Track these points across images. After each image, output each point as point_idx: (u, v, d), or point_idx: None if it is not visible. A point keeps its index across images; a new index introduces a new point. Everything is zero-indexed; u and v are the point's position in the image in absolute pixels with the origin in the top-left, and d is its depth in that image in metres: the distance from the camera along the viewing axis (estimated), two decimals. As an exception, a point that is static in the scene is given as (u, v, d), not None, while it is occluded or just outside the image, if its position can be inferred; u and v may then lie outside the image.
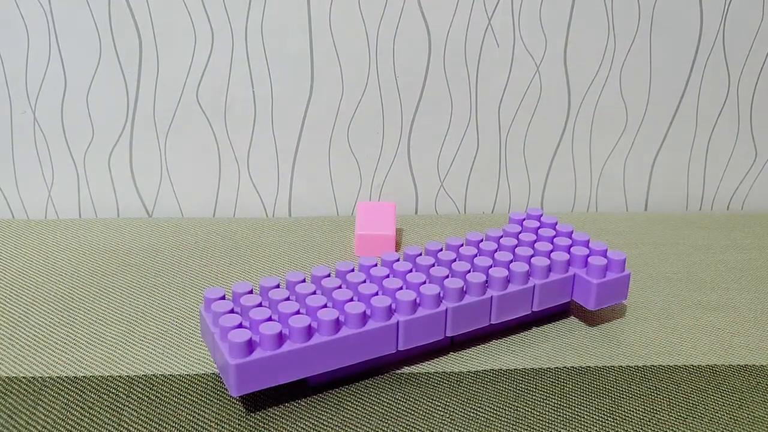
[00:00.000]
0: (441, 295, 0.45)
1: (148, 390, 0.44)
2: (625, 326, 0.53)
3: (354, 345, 0.42)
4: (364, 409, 0.43)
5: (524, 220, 0.55)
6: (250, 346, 0.39)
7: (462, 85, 0.69)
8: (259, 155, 0.70)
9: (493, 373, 0.47)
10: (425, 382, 0.45)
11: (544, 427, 0.42)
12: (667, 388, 0.46)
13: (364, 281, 0.46)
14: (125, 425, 0.41)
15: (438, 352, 0.48)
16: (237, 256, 0.61)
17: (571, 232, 0.53)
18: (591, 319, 0.53)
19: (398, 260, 0.48)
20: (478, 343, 0.50)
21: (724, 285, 0.59)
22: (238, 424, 0.41)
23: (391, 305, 0.43)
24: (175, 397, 0.43)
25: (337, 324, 0.42)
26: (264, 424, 0.41)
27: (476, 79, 0.69)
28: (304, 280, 0.45)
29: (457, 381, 0.46)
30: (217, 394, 0.44)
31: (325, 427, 0.41)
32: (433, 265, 0.48)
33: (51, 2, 0.62)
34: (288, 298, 0.43)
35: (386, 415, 0.43)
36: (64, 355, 0.47)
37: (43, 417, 0.42)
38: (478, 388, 0.45)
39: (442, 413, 0.43)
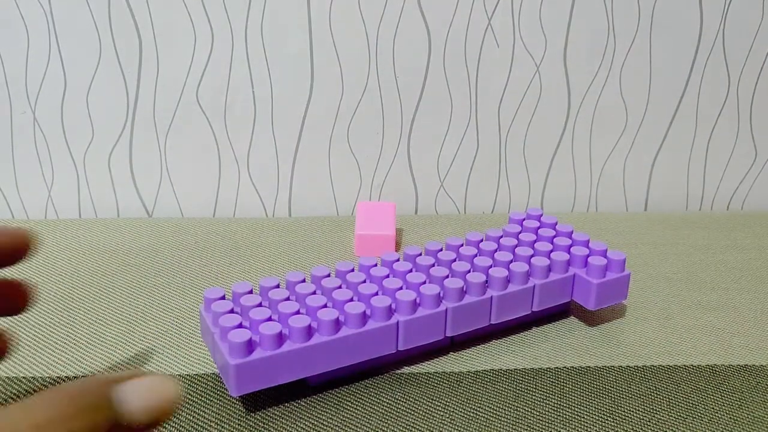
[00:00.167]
0: (441, 295, 0.45)
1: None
2: (625, 326, 0.53)
3: (354, 345, 0.42)
4: (364, 409, 0.43)
5: (524, 220, 0.55)
6: (250, 346, 0.39)
7: (462, 85, 0.69)
8: (259, 155, 0.70)
9: (492, 373, 0.47)
10: (425, 382, 0.45)
11: (543, 427, 0.42)
12: (666, 388, 0.46)
13: (364, 281, 0.46)
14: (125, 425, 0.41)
15: (438, 352, 0.48)
16: (237, 256, 0.61)
17: (571, 232, 0.53)
18: (591, 319, 0.53)
19: (398, 260, 0.48)
20: (478, 343, 0.50)
21: (724, 285, 0.59)
22: (238, 424, 0.41)
23: (391, 305, 0.43)
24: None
25: (337, 324, 0.42)
26: (264, 424, 0.41)
27: (476, 79, 0.70)
28: (304, 280, 0.45)
29: (457, 381, 0.46)
30: (217, 394, 0.44)
31: (324, 427, 0.41)
32: (433, 265, 0.48)
33: (51, 2, 0.62)
34: (288, 298, 0.43)
35: (386, 415, 0.43)
36: (64, 355, 0.47)
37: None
38: (478, 388, 0.45)
39: (441, 413, 0.43)
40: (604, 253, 0.51)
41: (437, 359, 0.48)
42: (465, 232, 0.67)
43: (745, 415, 0.44)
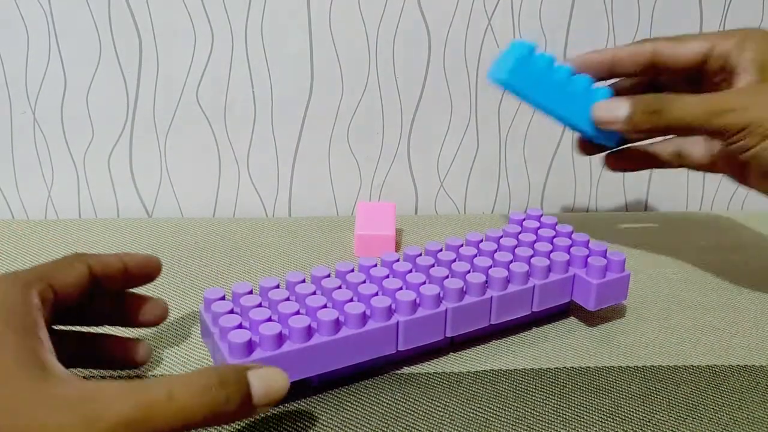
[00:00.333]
0: (441, 295, 0.45)
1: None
2: (625, 327, 0.53)
3: (354, 345, 0.42)
4: (364, 409, 0.43)
5: (524, 220, 0.55)
6: (249, 346, 0.39)
7: (462, 85, 0.70)
8: (259, 155, 0.70)
9: (492, 373, 0.47)
10: (425, 382, 0.45)
11: (543, 427, 0.42)
12: (666, 388, 0.46)
13: (364, 281, 0.46)
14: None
15: (438, 353, 0.48)
16: (237, 256, 0.61)
17: (571, 233, 0.53)
18: (591, 319, 0.53)
19: (398, 260, 0.48)
20: (478, 343, 0.50)
21: (723, 285, 0.59)
22: (238, 425, 0.41)
23: (390, 305, 0.43)
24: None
25: (337, 324, 0.42)
26: (264, 424, 0.41)
27: (476, 79, 0.70)
28: (303, 281, 0.45)
29: (457, 381, 0.46)
30: (217, 395, 0.44)
31: (324, 428, 0.41)
32: (433, 266, 0.48)
33: (51, 2, 0.62)
34: (288, 299, 0.43)
35: (386, 415, 0.43)
36: (64, 355, 0.47)
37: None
38: (477, 389, 0.45)
39: (441, 413, 0.43)
40: (603, 254, 0.51)
41: (437, 359, 0.48)
42: (465, 233, 0.67)
43: (745, 416, 0.44)
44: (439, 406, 0.43)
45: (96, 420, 0.29)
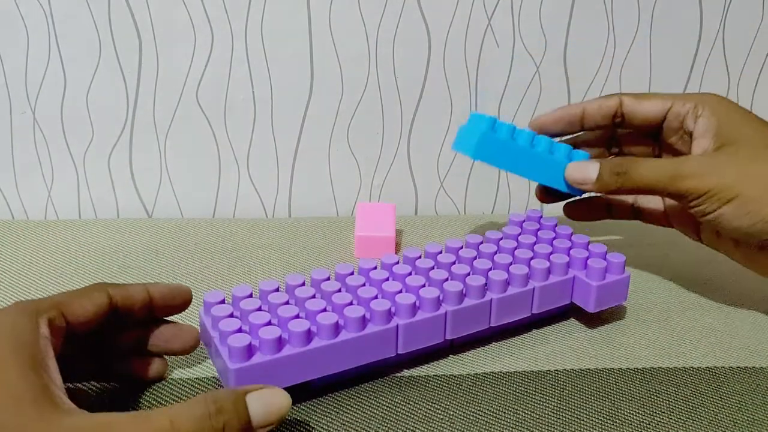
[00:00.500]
0: (440, 298, 0.45)
1: (148, 394, 0.44)
2: (625, 328, 0.53)
3: (353, 349, 0.42)
4: (364, 412, 0.43)
5: (524, 221, 0.55)
6: (249, 350, 0.39)
7: (462, 85, 0.69)
8: (259, 155, 0.70)
9: (492, 375, 0.47)
10: (425, 385, 0.46)
11: (543, 429, 0.42)
12: (666, 390, 0.46)
13: (364, 284, 0.46)
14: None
15: (437, 355, 0.48)
16: (237, 257, 0.61)
17: (571, 234, 0.53)
18: (590, 321, 0.53)
19: (398, 263, 0.48)
20: (478, 345, 0.50)
21: (723, 286, 0.59)
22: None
23: (390, 309, 0.43)
24: (175, 400, 0.43)
25: (337, 328, 0.42)
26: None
27: (476, 79, 0.69)
28: (303, 283, 0.45)
29: (457, 384, 0.46)
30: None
31: (324, 431, 0.41)
32: (433, 268, 0.48)
33: (51, 2, 0.62)
34: (287, 302, 0.43)
35: (386, 418, 0.43)
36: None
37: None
38: (477, 391, 0.45)
39: (441, 416, 0.43)
40: (603, 256, 0.51)
41: (437, 362, 0.48)
42: (465, 233, 0.67)
43: (745, 417, 0.44)
44: (438, 409, 0.43)
45: None
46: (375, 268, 0.48)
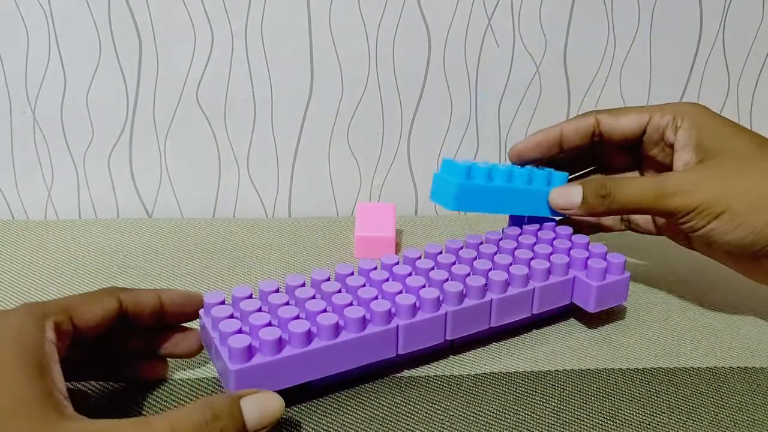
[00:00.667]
0: (440, 298, 0.45)
1: (148, 394, 0.44)
2: (625, 329, 0.53)
3: (354, 349, 0.42)
4: (364, 412, 0.43)
5: (524, 221, 0.55)
6: (249, 351, 0.39)
7: (462, 85, 0.69)
8: (259, 155, 0.70)
9: (492, 376, 0.47)
10: (425, 386, 0.46)
11: (543, 429, 0.42)
12: (667, 390, 0.46)
13: (364, 285, 0.46)
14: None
15: (438, 355, 0.48)
16: (237, 257, 0.61)
17: (571, 235, 0.53)
18: (591, 321, 0.53)
19: (398, 263, 0.48)
20: (478, 346, 0.50)
21: (724, 286, 0.59)
22: None
23: (390, 309, 0.43)
24: (175, 401, 0.43)
25: (337, 328, 0.42)
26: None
27: (476, 79, 0.69)
28: (303, 284, 0.45)
29: (457, 384, 0.46)
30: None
31: (324, 431, 0.41)
32: (433, 268, 0.48)
33: (51, 2, 0.62)
34: (287, 303, 0.43)
35: (386, 418, 0.43)
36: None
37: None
38: (477, 391, 0.45)
39: (441, 416, 0.43)
40: (603, 256, 0.51)
41: (437, 362, 0.48)
42: (465, 233, 0.67)
43: (746, 418, 0.44)
44: (439, 409, 0.43)
45: None
46: (375, 268, 0.48)
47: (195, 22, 0.64)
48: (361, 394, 0.45)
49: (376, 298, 0.44)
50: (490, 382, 0.46)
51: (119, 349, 0.42)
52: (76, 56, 0.65)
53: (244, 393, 0.36)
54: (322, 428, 0.42)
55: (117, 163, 0.69)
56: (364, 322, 0.42)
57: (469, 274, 0.47)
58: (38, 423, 0.31)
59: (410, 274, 0.47)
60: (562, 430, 0.42)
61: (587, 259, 0.50)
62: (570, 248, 0.51)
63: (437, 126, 0.71)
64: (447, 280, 0.46)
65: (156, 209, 0.71)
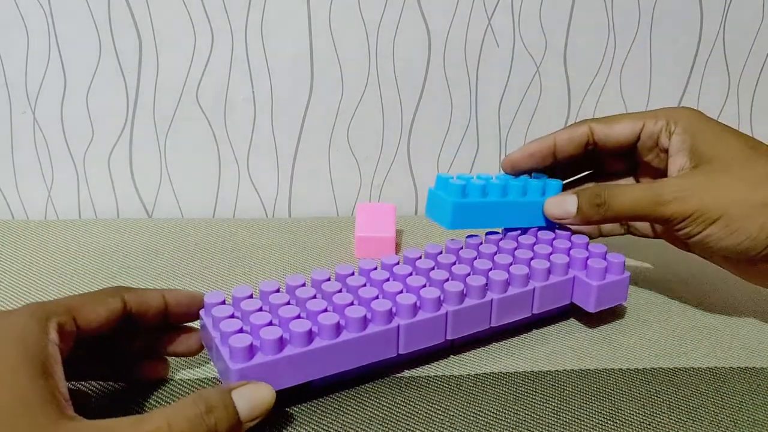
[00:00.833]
0: (441, 298, 0.45)
1: (149, 394, 0.44)
2: (625, 329, 0.53)
3: (354, 349, 0.42)
4: (365, 412, 0.43)
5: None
6: (251, 350, 0.39)
7: (462, 85, 0.69)
8: (259, 155, 0.70)
9: (493, 376, 0.47)
10: (425, 386, 0.46)
11: (543, 429, 0.42)
12: (667, 390, 0.46)
13: (364, 285, 0.46)
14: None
15: (438, 355, 0.48)
16: (237, 257, 0.61)
17: (571, 235, 0.53)
18: (591, 321, 0.53)
19: (398, 263, 0.48)
20: (478, 345, 0.50)
21: (724, 287, 0.59)
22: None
23: (391, 309, 0.43)
24: (175, 401, 0.43)
25: (338, 328, 0.42)
26: (264, 427, 0.41)
27: (476, 79, 0.69)
28: (304, 284, 0.45)
29: (457, 384, 0.46)
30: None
31: (325, 431, 0.41)
32: (433, 268, 0.48)
33: (51, 2, 0.62)
34: (288, 303, 0.43)
35: (387, 418, 0.43)
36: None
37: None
38: (478, 391, 0.45)
39: (442, 416, 0.43)
40: (603, 256, 0.51)
41: (437, 362, 0.48)
42: (465, 233, 0.67)
43: (746, 418, 0.44)
44: (439, 410, 0.43)
45: None
46: (375, 268, 0.48)
47: (195, 22, 0.64)
48: (361, 394, 0.45)
49: (376, 297, 0.44)
50: (490, 382, 0.46)
51: (122, 349, 0.42)
52: (76, 56, 0.65)
53: (234, 386, 0.37)
54: (322, 428, 0.42)
55: (117, 163, 0.69)
56: (365, 321, 0.42)
57: (469, 274, 0.47)
58: (38, 423, 0.31)
59: (411, 274, 0.47)
60: (562, 430, 0.42)
61: (587, 258, 0.50)
62: (570, 248, 0.51)
63: (437, 126, 0.71)
64: (447, 279, 0.46)
65: (156, 209, 0.71)
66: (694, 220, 0.47)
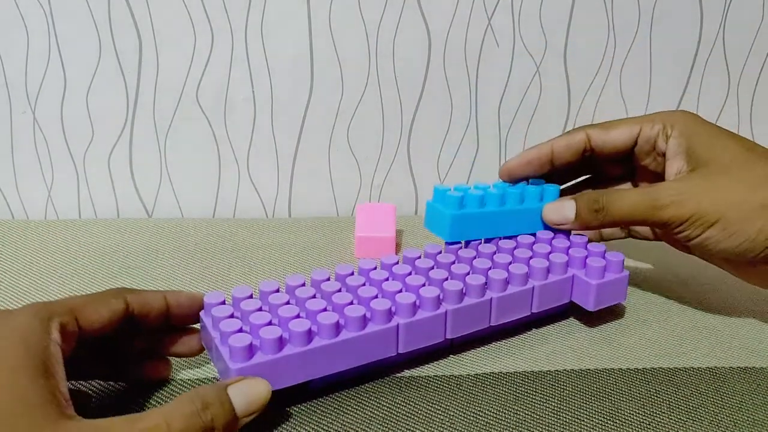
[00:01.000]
0: (440, 297, 0.45)
1: (149, 394, 0.44)
2: (625, 328, 0.53)
3: (354, 348, 0.42)
4: (364, 412, 0.43)
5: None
6: (250, 350, 0.39)
7: (462, 85, 0.69)
8: (259, 155, 0.70)
9: (492, 376, 0.47)
10: (425, 385, 0.45)
11: (543, 429, 0.42)
12: (666, 390, 0.46)
13: (364, 284, 0.46)
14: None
15: (438, 355, 0.48)
16: (237, 257, 0.61)
17: (570, 234, 0.53)
18: (590, 321, 0.53)
19: (397, 263, 0.48)
20: (478, 345, 0.50)
21: (723, 287, 0.59)
22: (238, 429, 0.41)
23: (390, 308, 0.43)
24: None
25: (337, 327, 0.42)
26: (264, 428, 0.41)
27: (476, 79, 0.69)
28: (303, 284, 0.45)
29: (457, 384, 0.46)
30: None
31: (324, 431, 0.41)
32: (432, 268, 0.48)
33: (51, 2, 0.62)
34: (288, 302, 0.43)
35: (386, 418, 0.43)
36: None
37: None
38: (477, 391, 0.45)
39: (441, 416, 0.43)
40: (602, 254, 0.51)
41: (437, 362, 0.48)
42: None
43: (746, 418, 0.44)
44: (439, 409, 0.43)
45: None
46: (375, 268, 0.48)
47: (195, 22, 0.64)
48: (361, 394, 0.45)
49: (376, 297, 0.44)
50: (490, 382, 0.46)
51: (124, 349, 0.42)
52: (76, 56, 0.65)
53: (229, 382, 0.37)
54: (322, 428, 0.42)
55: (117, 163, 0.69)
56: (364, 320, 0.42)
57: (468, 273, 0.47)
58: (38, 423, 0.31)
59: (410, 274, 0.47)
60: (562, 430, 0.42)
61: (586, 257, 0.50)
62: (569, 247, 0.51)
63: (437, 126, 0.71)
64: (447, 279, 0.46)
65: (156, 209, 0.71)
66: (692, 223, 0.47)
